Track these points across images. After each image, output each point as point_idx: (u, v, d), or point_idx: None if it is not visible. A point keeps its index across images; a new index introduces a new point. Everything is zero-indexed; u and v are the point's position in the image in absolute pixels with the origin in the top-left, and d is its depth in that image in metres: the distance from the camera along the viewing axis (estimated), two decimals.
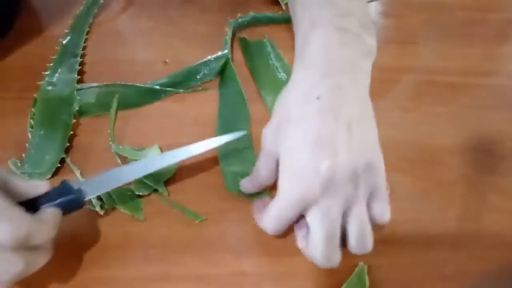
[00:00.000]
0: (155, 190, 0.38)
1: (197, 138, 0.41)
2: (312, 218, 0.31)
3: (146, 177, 0.38)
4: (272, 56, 0.47)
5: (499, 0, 0.55)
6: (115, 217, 0.37)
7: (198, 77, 0.45)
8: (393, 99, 0.45)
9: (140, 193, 0.38)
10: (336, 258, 0.31)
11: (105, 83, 0.43)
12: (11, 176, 0.31)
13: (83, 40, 0.47)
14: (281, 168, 0.33)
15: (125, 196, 0.37)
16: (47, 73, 0.44)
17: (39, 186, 0.31)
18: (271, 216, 0.32)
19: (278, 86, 0.45)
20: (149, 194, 0.38)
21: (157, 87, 0.43)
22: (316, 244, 0.31)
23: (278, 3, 0.51)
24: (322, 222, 0.30)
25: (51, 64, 0.44)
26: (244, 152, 0.40)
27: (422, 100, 0.45)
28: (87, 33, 0.48)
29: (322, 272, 0.35)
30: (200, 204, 0.37)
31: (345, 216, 0.31)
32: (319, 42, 0.33)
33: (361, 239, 0.31)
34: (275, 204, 0.32)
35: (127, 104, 0.43)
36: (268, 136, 0.35)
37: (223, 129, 0.41)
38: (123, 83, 0.43)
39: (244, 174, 0.38)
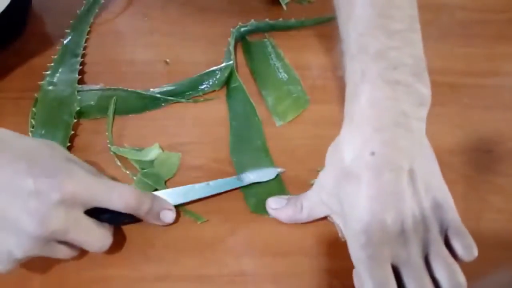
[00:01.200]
0: (156, 190, 0.38)
1: (197, 138, 0.41)
2: (400, 272, 0.30)
3: (147, 176, 0.38)
4: (273, 56, 0.47)
5: (499, 0, 0.55)
6: None
7: (201, 87, 0.44)
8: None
9: None
10: None
11: (107, 86, 0.43)
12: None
13: (84, 40, 0.47)
14: (347, 230, 0.32)
15: None
16: (47, 73, 0.44)
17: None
18: (369, 283, 0.29)
19: (279, 86, 0.45)
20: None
21: (159, 95, 0.43)
22: None
23: (278, 3, 0.51)
24: (408, 273, 0.29)
25: (52, 64, 0.44)
26: (261, 165, 0.40)
27: None
28: (88, 33, 0.48)
29: (322, 273, 0.35)
30: (200, 204, 0.38)
31: (429, 265, 0.30)
32: (367, 97, 0.32)
33: (451, 278, 0.29)
34: (361, 270, 0.30)
35: (127, 109, 0.43)
36: (326, 186, 0.34)
37: (236, 143, 0.41)
38: (125, 88, 0.43)
39: (264, 190, 0.38)
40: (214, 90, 0.44)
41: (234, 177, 0.39)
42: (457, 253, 0.30)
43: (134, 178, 0.39)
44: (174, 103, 0.43)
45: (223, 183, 0.38)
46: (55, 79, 0.43)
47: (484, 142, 0.43)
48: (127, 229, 0.36)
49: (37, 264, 0.34)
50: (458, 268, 0.29)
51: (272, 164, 0.40)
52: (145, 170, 0.39)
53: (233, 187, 0.38)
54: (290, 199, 0.36)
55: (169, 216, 0.35)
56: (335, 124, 0.43)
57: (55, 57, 0.45)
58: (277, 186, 0.39)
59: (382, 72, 0.32)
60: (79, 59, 0.45)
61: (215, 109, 0.43)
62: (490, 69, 0.48)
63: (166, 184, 0.38)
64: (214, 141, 0.41)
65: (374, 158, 0.30)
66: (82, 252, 0.34)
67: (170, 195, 0.36)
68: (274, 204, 0.36)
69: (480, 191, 0.39)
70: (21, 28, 0.48)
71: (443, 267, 0.29)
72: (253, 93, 0.44)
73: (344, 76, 0.34)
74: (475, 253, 0.30)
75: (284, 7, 0.51)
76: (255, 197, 0.38)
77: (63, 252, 0.32)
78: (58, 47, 0.46)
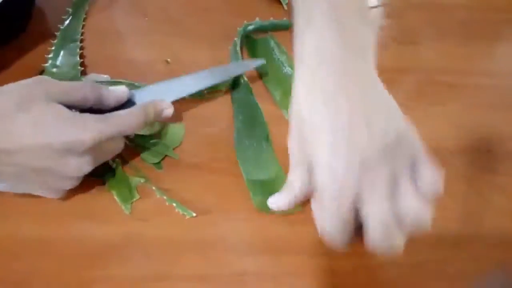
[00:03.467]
0: (162, 158, 0.40)
1: (198, 137, 0.41)
2: (364, 210, 0.29)
3: (155, 145, 0.40)
4: (276, 51, 0.47)
5: (499, 0, 0.55)
6: (115, 217, 0.37)
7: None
8: (393, 99, 0.45)
9: (150, 162, 0.39)
10: (396, 242, 0.29)
11: (115, 79, 0.44)
12: (102, 89, 0.37)
13: (81, 26, 0.48)
14: (314, 173, 0.31)
15: (123, 183, 0.38)
16: (50, 56, 0.44)
17: (124, 92, 0.39)
18: (327, 226, 0.29)
19: (284, 80, 0.45)
20: (159, 162, 0.39)
21: None
22: (374, 230, 0.28)
23: (279, 3, 0.51)
24: (371, 211, 0.29)
25: (53, 48, 0.45)
26: (263, 157, 0.40)
27: (422, 100, 0.45)
28: (84, 19, 0.49)
29: (322, 273, 0.35)
30: (201, 202, 0.38)
31: (394, 201, 0.29)
32: (314, 38, 0.32)
33: (416, 213, 0.29)
34: (324, 215, 0.30)
35: None
36: (293, 146, 0.34)
37: (241, 144, 0.41)
38: (132, 81, 0.43)
39: (268, 184, 0.38)
40: (220, 90, 0.44)
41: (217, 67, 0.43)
42: (423, 184, 0.29)
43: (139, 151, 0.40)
44: (177, 100, 0.44)
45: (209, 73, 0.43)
46: (58, 62, 0.44)
47: (484, 142, 0.43)
48: (127, 229, 0.36)
49: (37, 264, 0.34)
50: (424, 203, 0.29)
51: (273, 154, 0.40)
52: (153, 140, 0.40)
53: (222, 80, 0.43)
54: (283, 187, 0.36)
55: (168, 112, 0.39)
56: None
57: (55, 41, 0.46)
58: (282, 185, 0.39)
59: (328, 13, 0.33)
60: (78, 43, 0.46)
61: (216, 109, 0.43)
62: (490, 69, 0.48)
63: (167, 183, 0.39)
64: (215, 140, 0.41)
65: (324, 94, 0.31)
66: (79, 252, 0.35)
67: (166, 91, 0.40)
68: (272, 199, 0.36)
69: (480, 191, 0.39)
70: (24, 24, 0.48)
71: (408, 203, 0.29)
72: (260, 89, 0.44)
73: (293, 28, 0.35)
74: (439, 184, 0.29)
75: (285, 6, 0.51)
76: (260, 195, 0.38)
77: (113, 146, 0.37)
78: (57, 32, 0.46)
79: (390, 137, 0.30)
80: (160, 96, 0.39)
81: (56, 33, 0.46)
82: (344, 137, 0.30)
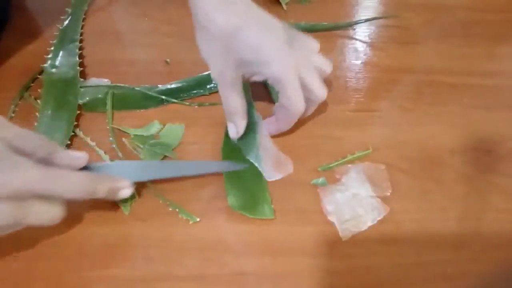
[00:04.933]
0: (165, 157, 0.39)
1: (197, 138, 0.41)
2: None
3: (154, 145, 0.40)
4: None
5: (500, 0, 0.55)
6: (116, 217, 0.37)
7: (209, 86, 0.45)
8: (393, 99, 0.45)
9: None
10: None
11: (115, 84, 0.44)
12: (57, 148, 0.33)
13: (80, 26, 0.48)
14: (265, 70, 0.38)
15: None
16: (49, 56, 0.45)
17: (81, 158, 0.34)
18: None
19: None
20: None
21: (163, 96, 0.44)
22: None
23: (278, 3, 0.51)
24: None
25: (52, 48, 0.45)
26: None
27: (422, 100, 0.45)
28: (83, 20, 0.49)
29: (322, 273, 0.35)
30: (201, 203, 0.38)
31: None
32: None
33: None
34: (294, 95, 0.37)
35: (131, 105, 0.43)
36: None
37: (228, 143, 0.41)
38: (131, 86, 0.44)
39: (245, 185, 0.38)
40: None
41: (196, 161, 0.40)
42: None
43: (138, 152, 0.40)
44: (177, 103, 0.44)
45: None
46: (57, 63, 0.45)
47: (484, 142, 0.43)
48: (127, 229, 0.36)
49: (37, 264, 0.34)
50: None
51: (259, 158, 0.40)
52: (152, 141, 0.40)
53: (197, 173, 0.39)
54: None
55: (126, 193, 0.35)
56: (335, 124, 0.43)
57: (54, 41, 0.46)
58: (259, 186, 0.39)
59: None
60: (77, 43, 0.46)
61: (216, 110, 0.43)
62: (490, 69, 0.48)
63: (166, 183, 0.39)
64: (214, 141, 0.41)
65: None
66: (80, 253, 0.35)
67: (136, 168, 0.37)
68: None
69: (480, 191, 0.39)
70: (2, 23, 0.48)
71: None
72: (260, 89, 0.45)
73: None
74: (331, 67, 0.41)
75: (284, 6, 0.51)
76: (234, 195, 0.38)
77: (46, 211, 0.31)
78: (56, 33, 0.46)
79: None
80: (124, 175, 0.35)
81: (55, 33, 0.47)
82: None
